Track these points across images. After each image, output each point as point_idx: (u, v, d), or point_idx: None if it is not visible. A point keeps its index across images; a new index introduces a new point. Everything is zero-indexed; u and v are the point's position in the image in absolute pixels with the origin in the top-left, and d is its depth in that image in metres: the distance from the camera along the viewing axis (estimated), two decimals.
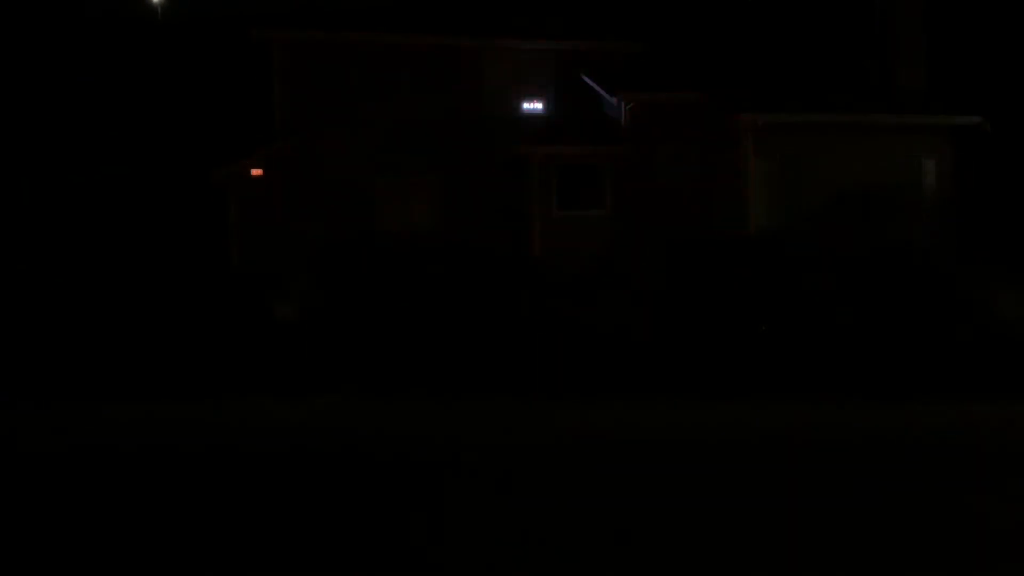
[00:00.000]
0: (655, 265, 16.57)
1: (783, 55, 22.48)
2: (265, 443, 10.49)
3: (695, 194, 19.81)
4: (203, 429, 11.31)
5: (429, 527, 6.83)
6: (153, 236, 22.55)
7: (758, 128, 18.30)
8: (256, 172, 19.28)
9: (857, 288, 14.69)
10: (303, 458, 9.55)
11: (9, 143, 25.62)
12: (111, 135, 26.88)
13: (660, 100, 19.72)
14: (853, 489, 8.07)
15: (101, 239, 14.74)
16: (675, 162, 19.91)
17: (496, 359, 14.24)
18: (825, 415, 12.72)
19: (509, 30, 21.30)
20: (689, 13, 23.94)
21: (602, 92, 20.20)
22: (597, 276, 14.99)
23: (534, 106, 21.17)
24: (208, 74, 28.25)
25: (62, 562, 6.07)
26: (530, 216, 19.23)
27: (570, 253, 17.20)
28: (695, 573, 5.82)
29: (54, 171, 24.37)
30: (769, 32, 23.55)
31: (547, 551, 6.17)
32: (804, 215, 19.12)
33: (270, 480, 8.56)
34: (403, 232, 18.66)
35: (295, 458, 9.55)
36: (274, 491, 8.12)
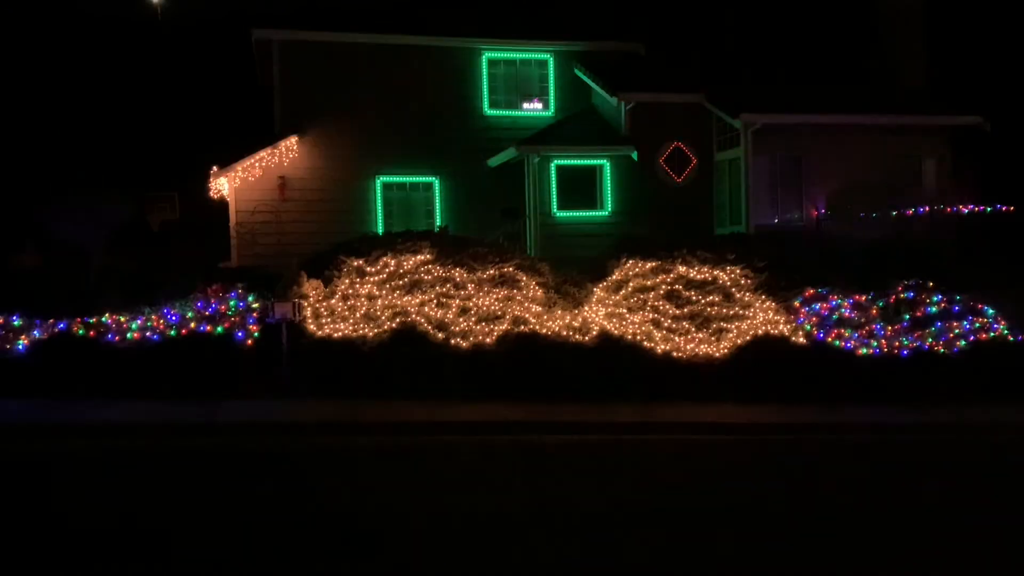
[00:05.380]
0: None
1: (783, 55, 22.54)
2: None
3: (695, 194, 19.83)
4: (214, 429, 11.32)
5: None
6: (152, 235, 22.61)
7: (758, 128, 18.30)
8: (256, 172, 19.30)
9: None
10: None
11: (10, 142, 25.67)
12: (110, 135, 26.95)
13: (660, 100, 19.72)
14: None
15: (99, 238, 14.71)
16: (675, 162, 19.92)
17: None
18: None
19: (509, 30, 21.32)
20: (688, 13, 23.99)
21: (602, 92, 20.20)
22: (597, 276, 14.97)
23: (534, 106, 21.19)
24: (208, 74, 28.33)
25: None
26: (529, 216, 19.24)
27: (570, 253, 17.18)
28: None
29: (53, 170, 24.41)
30: (769, 32, 23.60)
31: None
32: (803, 215, 19.16)
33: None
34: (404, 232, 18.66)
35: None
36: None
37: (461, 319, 14.03)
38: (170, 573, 6.24)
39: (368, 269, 14.33)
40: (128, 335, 13.21)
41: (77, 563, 6.35)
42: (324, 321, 13.79)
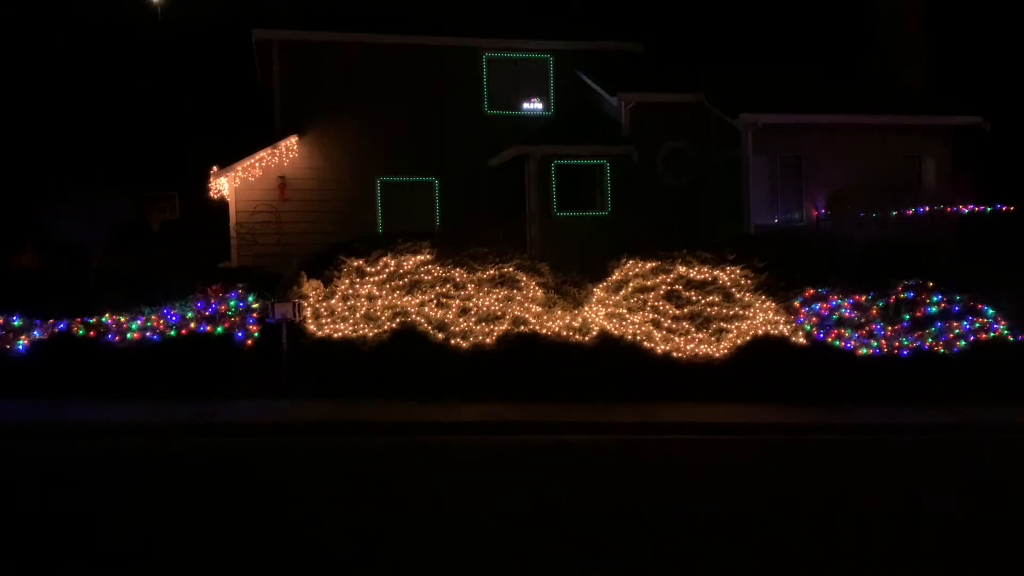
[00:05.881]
0: None
1: (783, 55, 22.52)
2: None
3: (695, 194, 19.82)
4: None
5: None
6: (152, 235, 22.60)
7: (758, 128, 18.30)
8: (256, 172, 19.31)
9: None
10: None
11: (10, 142, 25.66)
12: (110, 135, 26.94)
13: (660, 100, 19.74)
14: None
15: (99, 238, 14.68)
16: (675, 162, 19.92)
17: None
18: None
19: (509, 30, 21.33)
20: (689, 13, 23.98)
21: (602, 92, 20.21)
22: (597, 276, 14.96)
23: (534, 106, 21.18)
24: (208, 74, 28.32)
25: None
26: (529, 216, 19.24)
27: (570, 254, 17.17)
28: None
29: (53, 170, 24.40)
30: (769, 32, 23.58)
31: None
32: (803, 215, 19.16)
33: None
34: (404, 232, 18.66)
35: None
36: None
37: (461, 319, 14.03)
38: (168, 573, 6.24)
39: (368, 269, 14.33)
40: (128, 335, 13.21)
41: (74, 564, 6.35)
42: (324, 321, 13.79)
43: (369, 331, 13.70)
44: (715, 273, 14.61)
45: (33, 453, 10.06)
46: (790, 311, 14.28)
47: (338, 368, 13.30)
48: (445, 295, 14.25)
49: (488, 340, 13.77)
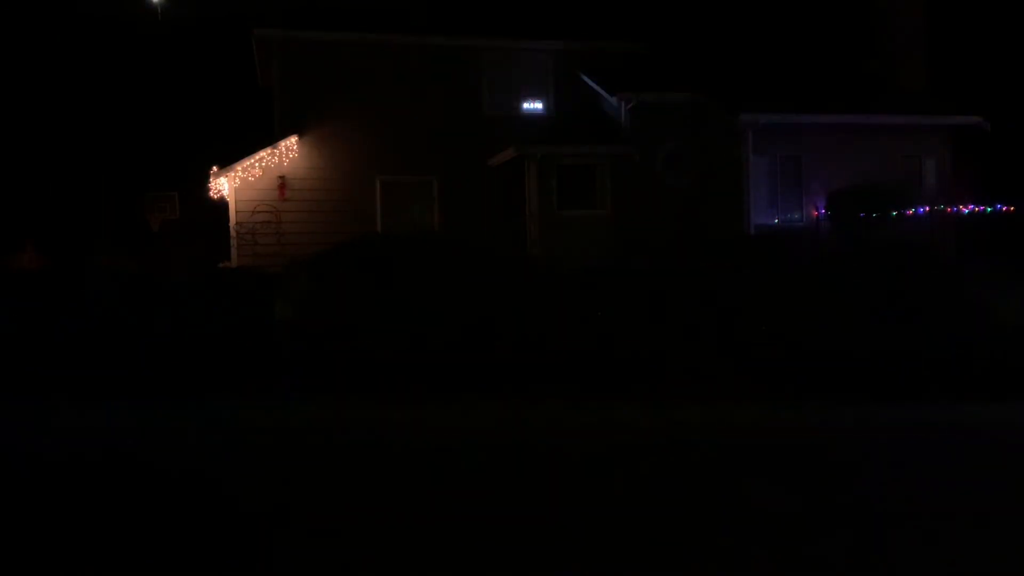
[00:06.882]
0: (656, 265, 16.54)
1: (783, 55, 22.51)
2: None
3: (695, 194, 19.82)
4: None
5: None
6: (152, 235, 22.61)
7: (758, 128, 18.30)
8: (256, 172, 19.31)
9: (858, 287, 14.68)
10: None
11: (11, 142, 25.66)
12: (111, 135, 26.95)
13: (660, 100, 19.73)
14: None
15: (99, 238, 14.71)
16: (675, 162, 19.91)
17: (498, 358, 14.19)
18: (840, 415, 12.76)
19: (509, 30, 21.34)
20: (689, 13, 23.97)
21: (602, 92, 20.20)
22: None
23: (534, 106, 21.17)
24: (208, 74, 28.35)
25: None
26: (529, 216, 19.24)
27: (569, 253, 17.19)
28: None
29: (53, 170, 24.41)
30: (769, 32, 23.57)
31: None
32: (803, 215, 19.17)
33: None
34: (403, 231, 18.71)
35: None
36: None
37: None
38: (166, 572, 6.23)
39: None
40: None
41: (71, 565, 6.34)
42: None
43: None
44: None
45: (32, 452, 10.04)
46: None
47: (338, 368, 13.31)
48: None
49: None
